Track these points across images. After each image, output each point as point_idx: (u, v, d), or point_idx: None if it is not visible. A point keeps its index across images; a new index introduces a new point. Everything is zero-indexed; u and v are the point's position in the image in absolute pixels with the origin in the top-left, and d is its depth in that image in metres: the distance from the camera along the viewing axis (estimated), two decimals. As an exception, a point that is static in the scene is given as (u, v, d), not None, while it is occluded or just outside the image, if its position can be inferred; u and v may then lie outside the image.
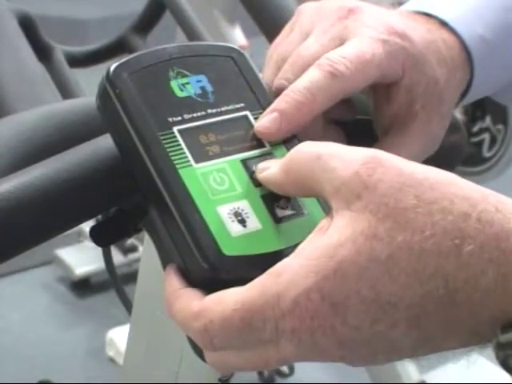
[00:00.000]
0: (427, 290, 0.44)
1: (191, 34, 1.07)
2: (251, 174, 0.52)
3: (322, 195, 0.48)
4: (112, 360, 2.23)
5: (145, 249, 0.80)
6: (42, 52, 1.06)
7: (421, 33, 0.59)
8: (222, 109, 0.54)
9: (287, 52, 0.59)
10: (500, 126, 2.27)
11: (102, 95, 0.53)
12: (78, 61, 1.16)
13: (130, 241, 2.45)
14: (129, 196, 0.55)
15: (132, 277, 1.04)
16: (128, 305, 0.85)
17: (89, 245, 2.50)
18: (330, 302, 0.44)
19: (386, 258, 0.44)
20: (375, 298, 0.44)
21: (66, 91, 1.03)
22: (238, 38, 2.07)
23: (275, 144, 0.54)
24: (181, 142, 0.52)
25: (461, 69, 0.61)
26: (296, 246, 0.47)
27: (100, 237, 0.58)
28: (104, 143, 0.55)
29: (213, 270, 0.49)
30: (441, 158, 0.63)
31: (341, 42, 0.57)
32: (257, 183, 0.52)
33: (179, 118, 0.53)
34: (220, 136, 0.53)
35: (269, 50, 0.61)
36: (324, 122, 0.59)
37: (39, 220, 0.53)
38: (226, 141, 0.53)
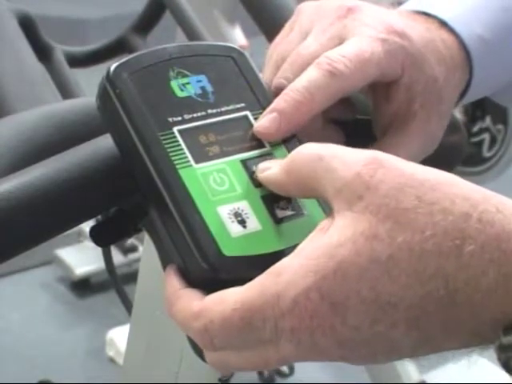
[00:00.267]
0: (427, 291, 0.44)
1: (191, 34, 1.07)
2: (251, 175, 0.52)
3: (323, 196, 0.48)
4: (112, 360, 2.23)
5: (145, 249, 0.80)
6: (42, 52, 1.06)
7: (420, 32, 0.59)
8: (222, 109, 0.54)
9: (287, 51, 0.59)
10: (500, 126, 2.27)
11: (102, 95, 0.53)
12: (78, 61, 1.16)
13: (130, 241, 2.45)
14: (129, 196, 0.55)
15: (132, 277, 1.04)
16: (128, 305, 0.85)
17: (89, 245, 2.49)
18: (330, 302, 0.44)
19: (386, 259, 0.44)
20: (375, 299, 0.44)
21: (66, 91, 1.03)
22: (238, 37, 2.06)
23: (275, 144, 0.54)
24: (181, 142, 0.52)
25: (460, 68, 0.61)
26: (296, 246, 0.47)
27: (100, 237, 0.58)
28: (104, 143, 0.55)
29: (213, 270, 0.49)
30: (441, 158, 0.63)
31: (340, 41, 0.57)
32: (257, 184, 0.52)
33: (179, 118, 0.53)
34: (220, 136, 0.53)
35: (268, 50, 0.61)
36: (323, 121, 0.59)
37: (39, 220, 0.53)
38: (226, 141, 0.53)
